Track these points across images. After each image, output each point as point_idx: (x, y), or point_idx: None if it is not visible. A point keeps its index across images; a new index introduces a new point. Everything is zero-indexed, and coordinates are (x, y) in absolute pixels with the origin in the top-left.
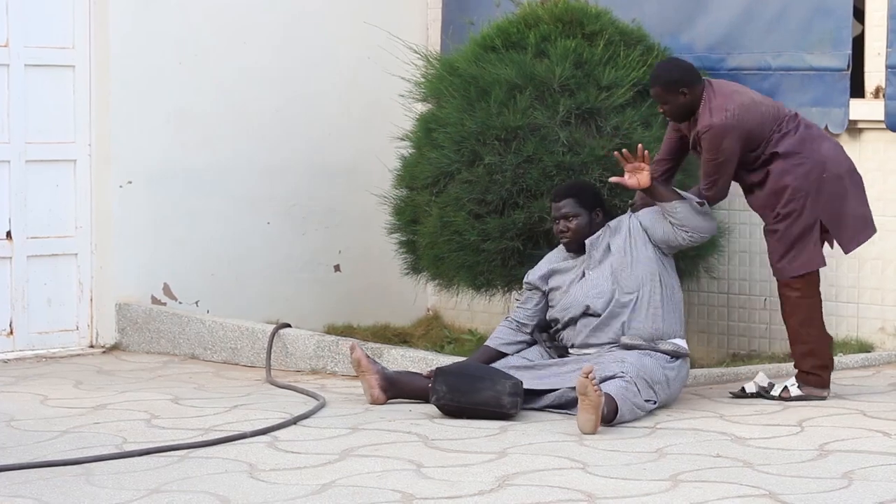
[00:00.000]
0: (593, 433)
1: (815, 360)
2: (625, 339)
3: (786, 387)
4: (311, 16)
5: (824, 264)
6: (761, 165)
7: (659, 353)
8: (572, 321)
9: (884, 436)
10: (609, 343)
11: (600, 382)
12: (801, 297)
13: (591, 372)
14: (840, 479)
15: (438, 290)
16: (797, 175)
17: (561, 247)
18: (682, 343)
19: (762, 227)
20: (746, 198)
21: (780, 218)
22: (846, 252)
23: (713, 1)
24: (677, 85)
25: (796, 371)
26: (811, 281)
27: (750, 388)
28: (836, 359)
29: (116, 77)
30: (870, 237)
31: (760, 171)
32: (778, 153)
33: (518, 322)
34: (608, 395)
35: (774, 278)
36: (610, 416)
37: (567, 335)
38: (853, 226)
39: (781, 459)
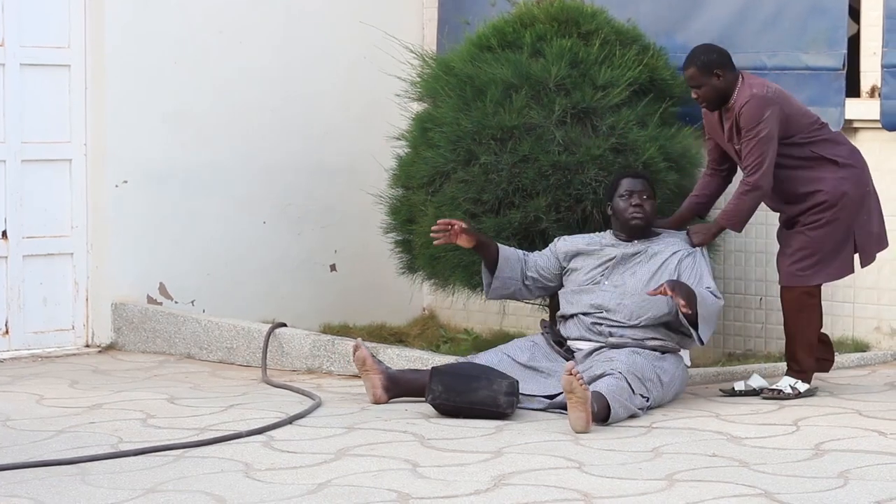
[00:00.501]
0: (586, 431)
1: (812, 355)
2: (612, 340)
3: (790, 385)
4: (308, 16)
5: (853, 271)
6: (807, 168)
7: (647, 351)
8: (572, 315)
9: (879, 435)
10: (600, 341)
11: (591, 381)
12: (817, 301)
13: (573, 368)
14: (836, 478)
15: (434, 290)
16: (854, 184)
17: (599, 234)
18: (670, 339)
19: (776, 228)
20: (781, 203)
21: (820, 225)
22: (863, 266)
23: (708, 0)
24: (713, 66)
25: (799, 372)
26: (819, 286)
27: (739, 386)
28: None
29: (112, 76)
30: (882, 250)
31: (808, 173)
32: (835, 161)
33: (526, 258)
34: (598, 394)
35: (779, 283)
36: (603, 415)
37: (567, 325)
38: (873, 242)
39: (777, 459)
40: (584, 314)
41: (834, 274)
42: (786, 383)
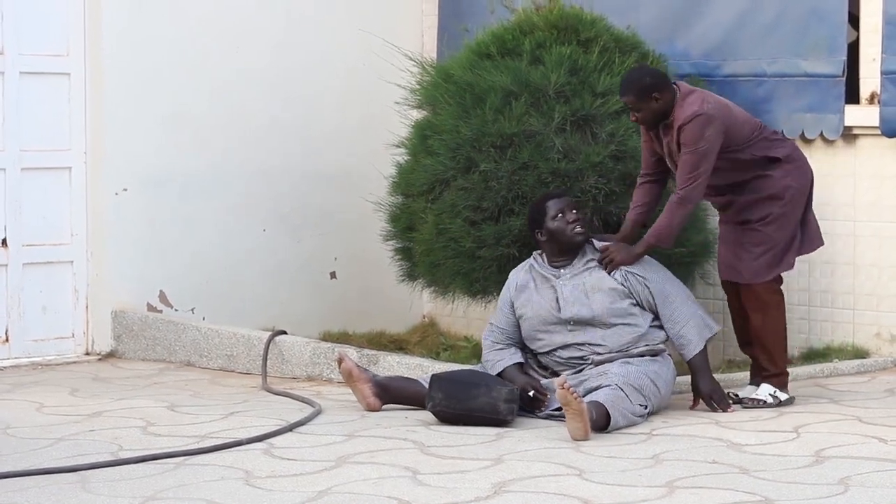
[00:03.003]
0: (585, 439)
1: (786, 357)
2: (596, 358)
3: (769, 394)
4: (306, 22)
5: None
6: (750, 167)
7: (636, 358)
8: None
9: (880, 442)
10: (584, 364)
11: (587, 393)
12: (781, 298)
13: (565, 382)
14: (836, 485)
15: (434, 297)
16: (796, 177)
17: (523, 269)
18: (655, 340)
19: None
20: (731, 204)
21: (772, 219)
22: (801, 253)
23: (709, 7)
24: (650, 90)
25: (777, 376)
26: (780, 280)
27: (744, 393)
28: (832, 365)
29: (111, 84)
30: (818, 248)
31: (751, 171)
32: (778, 158)
33: (513, 345)
34: (597, 402)
35: (742, 281)
36: (602, 422)
37: (543, 358)
38: (812, 234)
39: (777, 466)
40: (562, 347)
41: (787, 265)
42: (765, 392)
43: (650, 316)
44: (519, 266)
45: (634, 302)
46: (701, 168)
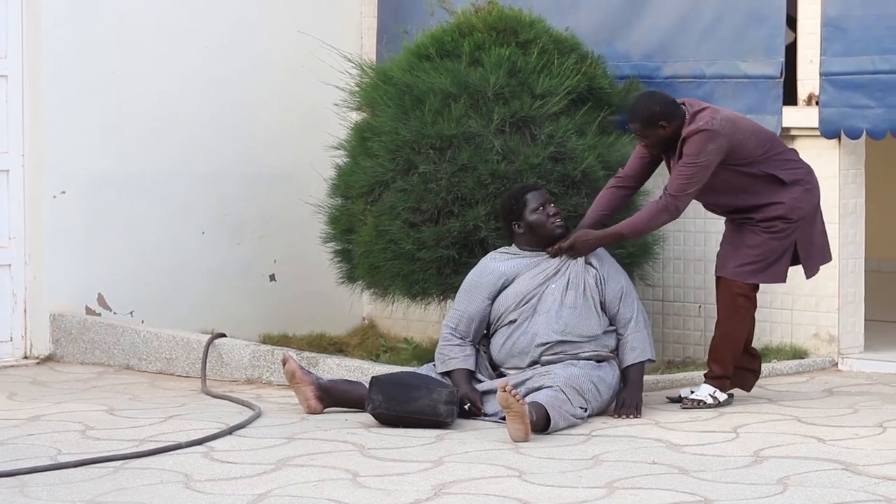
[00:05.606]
0: (526, 441)
1: (735, 361)
2: (545, 358)
3: (709, 395)
4: (246, 25)
5: (784, 280)
6: (761, 185)
7: (583, 361)
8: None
9: (818, 441)
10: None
11: (529, 393)
12: (751, 306)
13: (506, 385)
14: (775, 484)
15: (374, 299)
16: (806, 200)
17: (504, 255)
18: (605, 348)
19: (716, 235)
20: (733, 213)
21: (776, 230)
22: (808, 277)
23: (648, 9)
24: (657, 118)
25: (720, 378)
26: (757, 289)
27: (685, 393)
28: (770, 365)
29: (50, 87)
30: (825, 263)
31: (763, 190)
32: (789, 181)
33: (473, 344)
34: (537, 403)
35: (715, 282)
36: (542, 424)
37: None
38: (817, 254)
39: (717, 466)
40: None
41: (767, 279)
42: (705, 392)
43: (606, 321)
44: (490, 256)
45: (600, 301)
46: (695, 179)
